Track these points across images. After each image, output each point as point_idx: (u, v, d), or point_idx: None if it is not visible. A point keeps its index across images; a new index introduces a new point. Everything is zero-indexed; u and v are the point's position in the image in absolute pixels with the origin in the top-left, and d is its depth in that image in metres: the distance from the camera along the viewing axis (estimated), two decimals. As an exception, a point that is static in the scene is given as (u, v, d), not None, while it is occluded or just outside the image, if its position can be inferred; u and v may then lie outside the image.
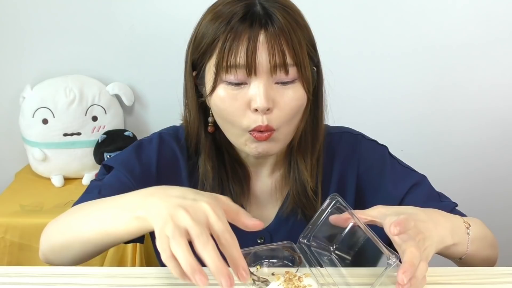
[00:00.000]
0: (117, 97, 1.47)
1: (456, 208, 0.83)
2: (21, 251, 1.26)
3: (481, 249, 0.77)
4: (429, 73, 1.51)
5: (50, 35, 1.46)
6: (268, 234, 0.85)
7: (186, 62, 0.83)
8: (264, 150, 0.76)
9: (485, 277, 0.72)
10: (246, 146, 0.76)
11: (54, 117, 1.37)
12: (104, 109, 1.42)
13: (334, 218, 0.69)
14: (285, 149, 0.84)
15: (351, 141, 0.89)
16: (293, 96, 0.74)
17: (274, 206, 0.88)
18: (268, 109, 0.73)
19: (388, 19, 1.44)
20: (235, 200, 0.82)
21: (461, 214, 0.80)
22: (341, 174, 0.87)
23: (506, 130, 1.57)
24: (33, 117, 1.38)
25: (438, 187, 0.88)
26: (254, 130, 0.74)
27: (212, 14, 0.78)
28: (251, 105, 0.73)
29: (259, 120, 0.74)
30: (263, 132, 0.74)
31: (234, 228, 0.58)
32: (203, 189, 0.82)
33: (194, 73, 0.82)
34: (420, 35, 1.46)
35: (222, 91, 0.75)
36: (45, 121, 1.38)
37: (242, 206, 0.83)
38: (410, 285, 0.60)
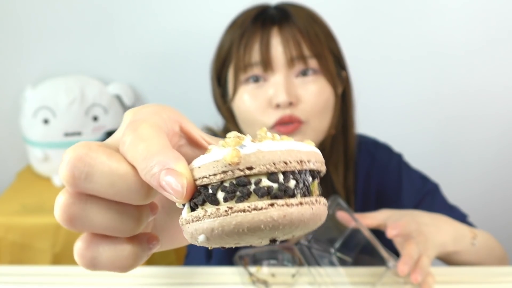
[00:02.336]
0: (118, 97, 1.47)
1: (467, 219, 0.83)
2: (22, 251, 1.26)
3: (487, 261, 0.77)
4: (440, 78, 1.50)
5: (51, 35, 1.46)
6: None
7: (212, 77, 0.83)
8: None
9: (485, 277, 0.72)
10: None
11: (55, 117, 1.37)
12: (104, 109, 1.42)
13: (341, 215, 0.69)
14: None
15: (369, 149, 0.89)
16: (317, 89, 0.73)
17: None
18: (290, 104, 0.71)
19: (390, 22, 1.44)
20: None
21: (471, 225, 0.80)
22: (365, 184, 0.87)
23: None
24: (34, 117, 1.38)
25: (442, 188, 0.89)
26: (277, 123, 0.72)
27: (230, 25, 0.79)
28: (272, 102, 0.72)
29: (281, 113, 0.71)
30: (287, 124, 0.72)
31: None
32: None
33: (220, 89, 0.82)
34: (426, 38, 1.46)
35: (242, 92, 0.74)
36: (46, 121, 1.38)
37: None
38: (420, 275, 0.61)
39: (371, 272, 0.69)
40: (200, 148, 0.29)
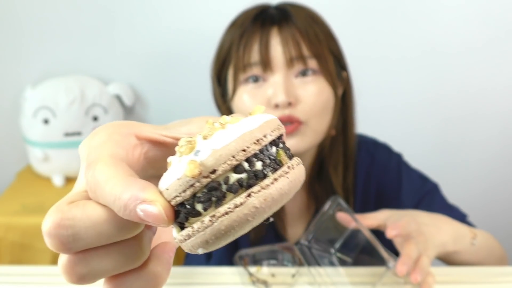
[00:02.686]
0: (118, 97, 1.47)
1: (466, 219, 0.83)
2: (22, 251, 1.26)
3: (487, 261, 0.77)
4: (439, 77, 1.50)
5: (51, 35, 1.46)
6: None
7: (212, 77, 0.83)
8: (291, 147, 0.73)
9: (485, 277, 0.72)
10: None
11: (55, 117, 1.37)
12: (104, 109, 1.42)
13: (341, 216, 0.69)
14: (314, 159, 0.83)
15: (369, 149, 0.89)
16: (316, 90, 0.73)
17: (304, 222, 0.88)
18: (290, 104, 0.71)
19: (390, 22, 1.44)
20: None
21: (471, 225, 0.80)
22: (364, 184, 0.87)
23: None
24: (34, 117, 1.38)
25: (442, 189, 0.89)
26: None
27: (230, 25, 0.79)
28: (271, 102, 0.72)
29: (280, 113, 0.71)
30: (286, 124, 0.71)
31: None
32: None
33: (220, 89, 0.81)
34: (426, 38, 1.46)
35: (242, 92, 0.74)
36: (46, 121, 1.38)
37: (278, 219, 0.83)
38: (420, 275, 0.61)
39: (371, 272, 0.69)
40: (165, 146, 0.29)
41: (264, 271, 0.70)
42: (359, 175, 0.86)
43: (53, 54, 1.48)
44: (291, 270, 0.70)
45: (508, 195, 1.62)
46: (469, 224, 0.80)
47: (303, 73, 0.73)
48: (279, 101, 0.70)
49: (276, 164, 0.25)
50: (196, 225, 0.24)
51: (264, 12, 0.75)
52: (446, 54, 1.47)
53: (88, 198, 0.25)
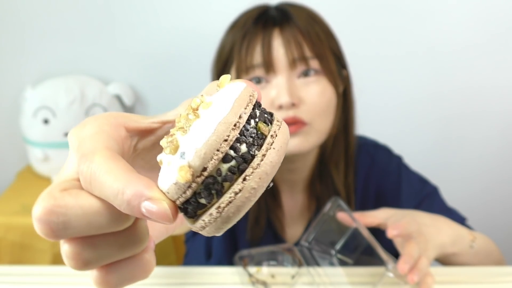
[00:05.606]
0: (118, 97, 1.47)
1: (465, 222, 0.83)
2: (22, 251, 1.26)
3: (484, 264, 0.77)
4: (438, 75, 1.51)
5: (51, 35, 1.46)
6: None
7: (213, 77, 0.83)
8: (295, 147, 0.73)
9: (484, 277, 0.72)
10: None
11: (55, 117, 1.37)
12: (104, 109, 1.42)
13: (342, 216, 0.70)
14: (317, 158, 0.83)
15: (369, 151, 0.89)
16: (319, 90, 0.73)
17: (303, 223, 0.88)
18: (293, 105, 0.72)
19: (389, 20, 1.44)
20: (270, 214, 0.82)
21: (470, 228, 0.80)
22: (364, 185, 0.87)
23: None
24: (34, 117, 1.38)
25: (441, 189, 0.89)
26: None
27: (231, 25, 0.79)
28: (275, 103, 0.72)
29: (284, 115, 0.71)
30: (290, 125, 0.71)
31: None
32: None
33: None
34: (426, 36, 1.46)
35: None
36: (46, 121, 1.38)
37: (276, 221, 0.83)
38: (417, 276, 0.61)
39: (371, 272, 0.69)
40: (154, 132, 0.30)
41: (264, 271, 0.70)
42: (359, 177, 0.86)
43: (53, 54, 1.48)
44: (291, 271, 0.70)
45: (507, 194, 1.62)
46: (468, 227, 0.80)
47: (306, 74, 0.73)
48: (282, 102, 0.70)
49: (260, 139, 0.25)
50: (206, 218, 0.25)
51: (265, 13, 0.75)
52: (445, 53, 1.47)
53: (80, 187, 0.25)
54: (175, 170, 0.24)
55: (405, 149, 1.04)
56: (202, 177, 0.24)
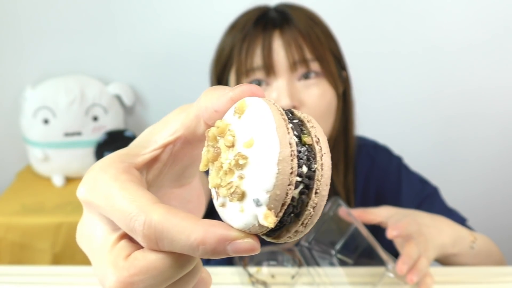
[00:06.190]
0: (118, 97, 1.47)
1: (466, 223, 0.83)
2: (22, 251, 1.26)
3: (485, 265, 0.77)
4: (438, 75, 1.51)
5: (51, 35, 1.46)
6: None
7: (211, 79, 0.83)
8: None
9: (484, 277, 0.72)
10: None
11: (55, 117, 1.37)
12: (104, 109, 1.42)
13: (343, 212, 0.69)
14: None
15: (369, 152, 0.89)
16: (319, 92, 0.73)
17: None
18: (294, 107, 0.72)
19: (389, 20, 1.44)
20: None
21: (470, 229, 0.80)
22: (364, 186, 0.87)
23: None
24: (34, 117, 1.38)
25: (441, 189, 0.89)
26: None
27: (230, 27, 0.79)
28: None
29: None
30: None
31: None
32: None
33: None
34: (425, 36, 1.46)
35: None
36: (46, 121, 1.38)
37: None
38: (416, 276, 0.60)
39: (371, 272, 0.69)
40: (158, 159, 0.28)
41: (263, 271, 0.70)
42: (359, 178, 0.86)
43: (53, 54, 1.48)
44: (291, 271, 0.70)
45: (507, 195, 1.62)
46: (468, 228, 0.80)
47: (306, 76, 0.73)
48: (283, 105, 0.70)
49: (310, 152, 0.25)
50: (293, 235, 0.26)
51: (265, 15, 0.75)
52: (445, 53, 1.47)
53: (133, 248, 0.25)
54: (260, 219, 0.24)
55: (405, 150, 1.04)
56: (281, 212, 0.25)
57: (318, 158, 0.25)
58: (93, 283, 0.69)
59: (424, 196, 0.84)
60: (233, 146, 0.25)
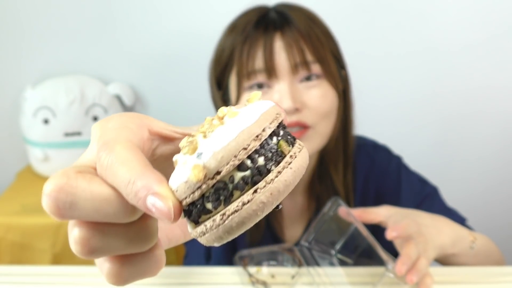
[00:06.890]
0: (118, 97, 1.47)
1: (465, 222, 0.83)
2: (22, 251, 1.26)
3: (484, 265, 0.77)
4: (437, 76, 1.51)
5: (51, 35, 1.46)
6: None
7: (210, 80, 0.83)
8: None
9: (484, 277, 0.72)
10: None
11: (55, 117, 1.37)
12: (104, 109, 1.42)
13: (343, 212, 0.70)
14: (317, 161, 0.83)
15: (369, 152, 0.89)
16: (321, 94, 0.73)
17: (302, 223, 0.88)
18: (296, 109, 0.72)
19: (388, 20, 1.44)
20: (269, 217, 0.81)
21: (470, 229, 0.80)
22: (364, 186, 0.87)
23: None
24: (34, 117, 1.38)
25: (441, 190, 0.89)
26: None
27: (229, 28, 0.79)
28: None
29: (287, 119, 0.71)
30: (293, 128, 0.72)
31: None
32: None
33: (220, 93, 0.81)
34: (425, 36, 1.46)
35: (246, 99, 0.74)
36: (46, 121, 1.38)
37: (275, 223, 0.83)
38: (416, 276, 0.61)
39: (371, 272, 0.69)
40: (173, 143, 0.30)
41: (264, 271, 0.70)
42: (358, 178, 0.86)
43: (53, 54, 1.48)
44: (291, 271, 0.70)
45: (507, 194, 1.62)
46: (468, 228, 0.80)
47: (307, 78, 0.73)
48: (286, 107, 0.70)
49: (279, 156, 0.25)
50: (209, 224, 0.25)
51: (266, 16, 0.75)
52: (445, 52, 1.47)
53: (95, 174, 0.25)
54: (188, 169, 0.24)
55: (405, 149, 1.04)
56: (214, 180, 0.24)
57: (281, 165, 0.25)
58: (93, 283, 0.69)
59: (423, 196, 0.84)
60: (223, 117, 0.26)
